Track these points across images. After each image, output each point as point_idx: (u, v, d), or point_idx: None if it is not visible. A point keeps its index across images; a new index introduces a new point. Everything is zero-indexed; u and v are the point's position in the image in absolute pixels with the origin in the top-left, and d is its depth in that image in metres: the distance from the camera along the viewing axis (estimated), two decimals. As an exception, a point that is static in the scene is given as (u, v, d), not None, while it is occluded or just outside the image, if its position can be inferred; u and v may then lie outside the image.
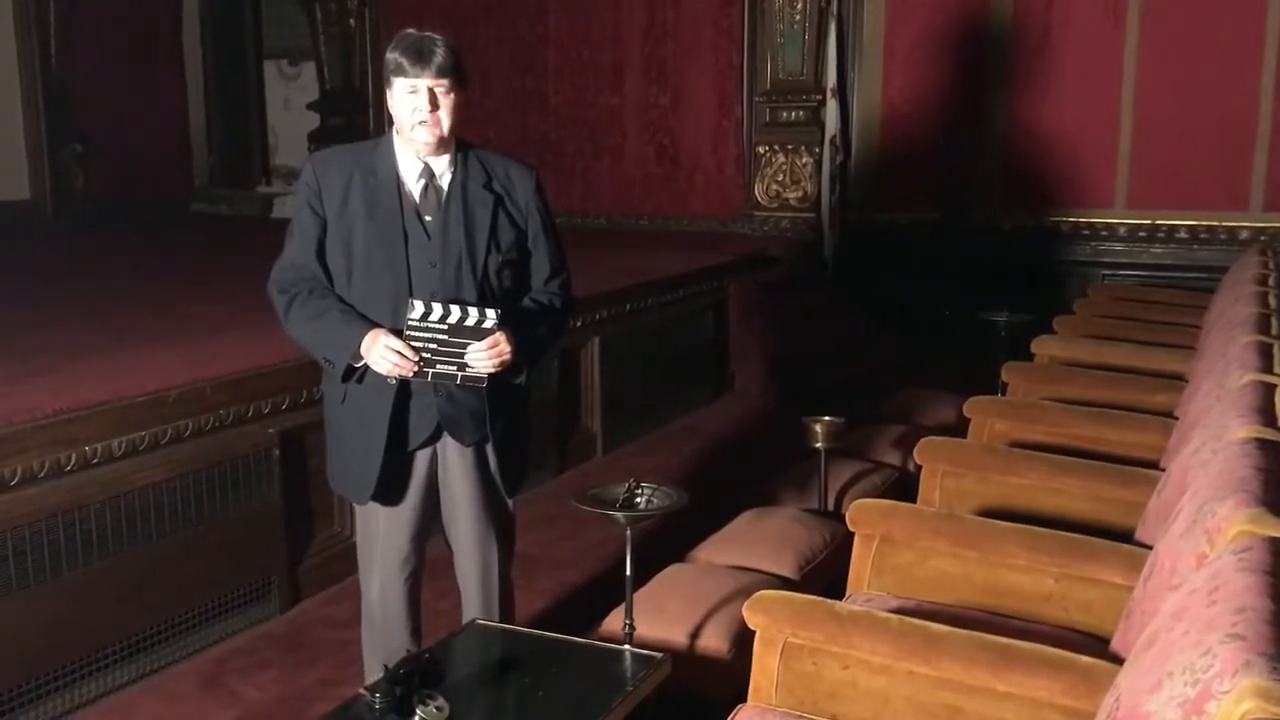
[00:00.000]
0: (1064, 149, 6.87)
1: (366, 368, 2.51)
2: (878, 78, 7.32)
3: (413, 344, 2.46)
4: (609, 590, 3.43)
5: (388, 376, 2.48)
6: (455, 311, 2.46)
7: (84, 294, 5.31)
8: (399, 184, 2.57)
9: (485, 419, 2.61)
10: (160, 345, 3.84)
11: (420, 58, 2.47)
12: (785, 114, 7.36)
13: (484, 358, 2.47)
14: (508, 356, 2.49)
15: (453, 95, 2.51)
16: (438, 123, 2.50)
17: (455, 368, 2.48)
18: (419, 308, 2.45)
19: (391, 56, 2.51)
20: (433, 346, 2.46)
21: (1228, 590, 1.47)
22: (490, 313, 2.48)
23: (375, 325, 2.49)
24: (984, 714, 1.99)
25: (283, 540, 3.65)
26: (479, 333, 2.47)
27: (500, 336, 2.47)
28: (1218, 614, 1.41)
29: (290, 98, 9.72)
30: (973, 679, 1.99)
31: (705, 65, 7.76)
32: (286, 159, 9.70)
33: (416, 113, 2.48)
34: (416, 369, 2.46)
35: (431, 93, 2.48)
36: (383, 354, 2.44)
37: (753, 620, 2.20)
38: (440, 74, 2.47)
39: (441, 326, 2.46)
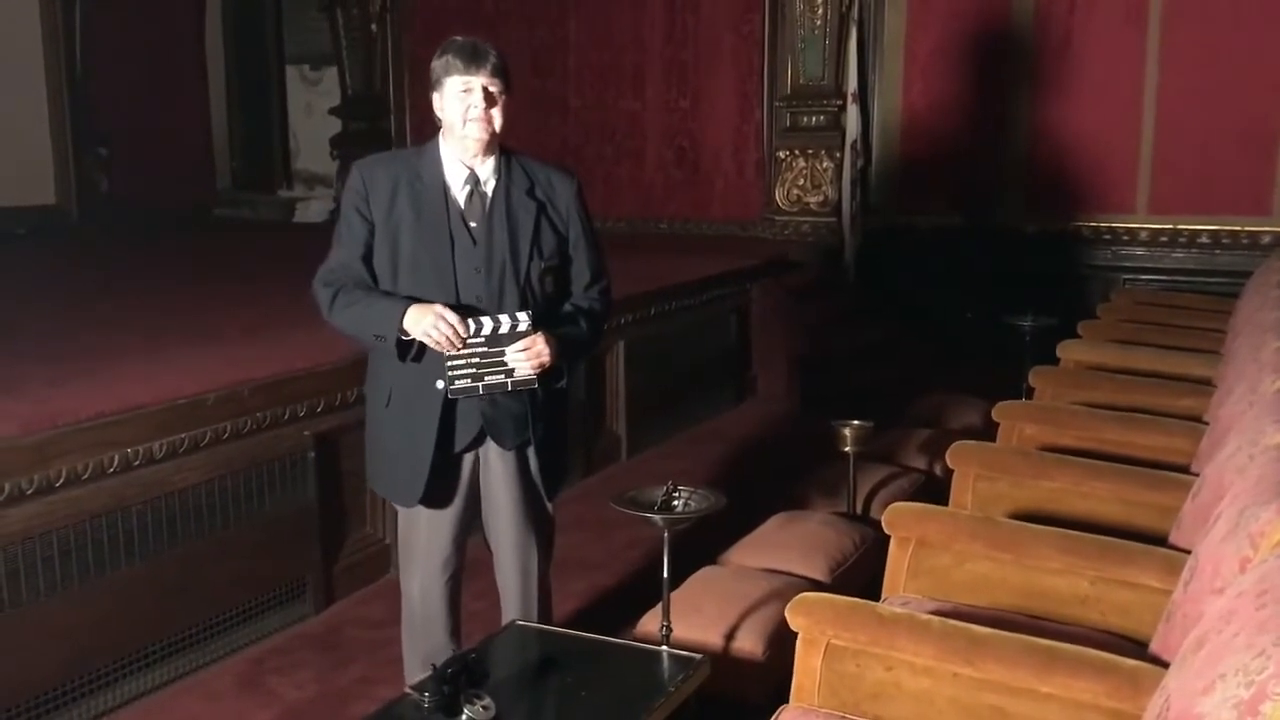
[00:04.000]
0: (1085, 153, 6.88)
1: (423, 350, 2.53)
2: (899, 82, 7.34)
3: (457, 364, 2.50)
4: (640, 592, 3.46)
5: (438, 347, 2.48)
6: (488, 324, 2.51)
7: (115, 297, 5.36)
8: (445, 189, 2.61)
9: (527, 423, 2.65)
10: (195, 348, 3.88)
11: (475, 58, 2.54)
12: (806, 118, 7.38)
13: (522, 359, 2.51)
14: (546, 358, 2.53)
15: (504, 96, 2.57)
16: (491, 120, 2.55)
17: (503, 375, 2.52)
18: None
19: (442, 60, 2.56)
20: (476, 360, 2.51)
21: (1277, 593, 1.49)
22: (522, 316, 2.53)
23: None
24: (1027, 715, 2.01)
25: (317, 541, 3.69)
26: (516, 337, 2.52)
27: (537, 338, 2.51)
28: (1269, 616, 1.43)
29: (312, 102, 9.77)
30: (1016, 680, 2.00)
31: (726, 70, 7.78)
32: (308, 164, 9.77)
33: (471, 110, 2.53)
34: (463, 344, 2.48)
35: (486, 90, 2.54)
36: (434, 323, 2.44)
37: (795, 622, 2.23)
38: (494, 73, 2.54)
39: (478, 340, 2.50)
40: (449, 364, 2.52)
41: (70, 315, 4.82)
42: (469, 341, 2.49)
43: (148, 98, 8.80)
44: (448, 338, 2.46)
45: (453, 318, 2.47)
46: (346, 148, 8.83)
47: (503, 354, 2.51)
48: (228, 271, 6.48)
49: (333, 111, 9.32)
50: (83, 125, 8.49)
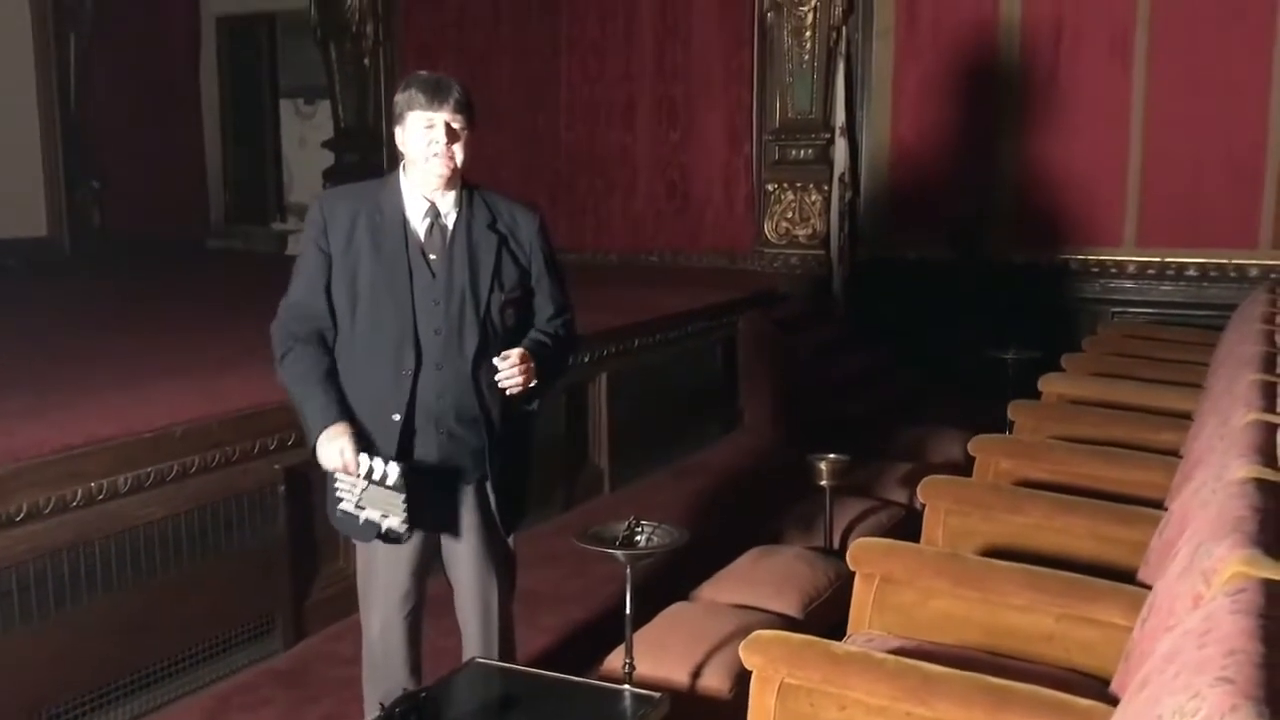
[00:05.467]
0: (1073, 186, 6.88)
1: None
2: (887, 116, 7.36)
3: (344, 489, 2.55)
4: (614, 627, 3.41)
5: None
6: (366, 465, 2.50)
7: (98, 330, 5.36)
8: (404, 222, 2.60)
9: (485, 458, 2.62)
10: (169, 381, 3.87)
11: (438, 93, 2.53)
12: (795, 152, 7.40)
13: (514, 374, 2.52)
14: (529, 376, 2.55)
15: (466, 132, 2.56)
16: (453, 156, 2.54)
17: (379, 517, 2.53)
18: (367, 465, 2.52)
19: (405, 94, 2.56)
20: (359, 493, 2.53)
21: (1219, 633, 1.46)
22: (393, 467, 2.49)
23: (345, 417, 2.55)
24: (981, 756, 1.98)
25: (287, 576, 3.65)
26: (385, 487, 2.50)
27: (522, 353, 2.54)
28: (1208, 657, 1.40)
29: (305, 135, 9.81)
30: (970, 720, 1.97)
31: (716, 104, 7.81)
32: (301, 196, 9.77)
33: (433, 145, 2.53)
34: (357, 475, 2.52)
35: (448, 126, 2.53)
36: (336, 455, 2.51)
37: (749, 660, 2.20)
38: (457, 109, 2.54)
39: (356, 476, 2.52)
40: (336, 488, 2.56)
41: (52, 347, 4.81)
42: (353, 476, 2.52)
43: (141, 130, 8.86)
44: (338, 468, 2.52)
45: (350, 457, 2.50)
46: (339, 180, 8.85)
47: (388, 497, 2.50)
48: (214, 304, 6.47)
49: (326, 144, 9.35)
50: (76, 157, 8.53)
